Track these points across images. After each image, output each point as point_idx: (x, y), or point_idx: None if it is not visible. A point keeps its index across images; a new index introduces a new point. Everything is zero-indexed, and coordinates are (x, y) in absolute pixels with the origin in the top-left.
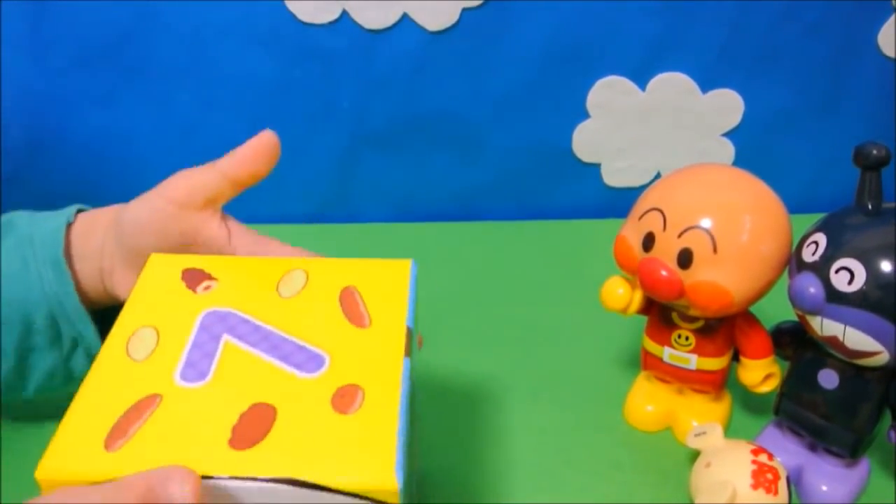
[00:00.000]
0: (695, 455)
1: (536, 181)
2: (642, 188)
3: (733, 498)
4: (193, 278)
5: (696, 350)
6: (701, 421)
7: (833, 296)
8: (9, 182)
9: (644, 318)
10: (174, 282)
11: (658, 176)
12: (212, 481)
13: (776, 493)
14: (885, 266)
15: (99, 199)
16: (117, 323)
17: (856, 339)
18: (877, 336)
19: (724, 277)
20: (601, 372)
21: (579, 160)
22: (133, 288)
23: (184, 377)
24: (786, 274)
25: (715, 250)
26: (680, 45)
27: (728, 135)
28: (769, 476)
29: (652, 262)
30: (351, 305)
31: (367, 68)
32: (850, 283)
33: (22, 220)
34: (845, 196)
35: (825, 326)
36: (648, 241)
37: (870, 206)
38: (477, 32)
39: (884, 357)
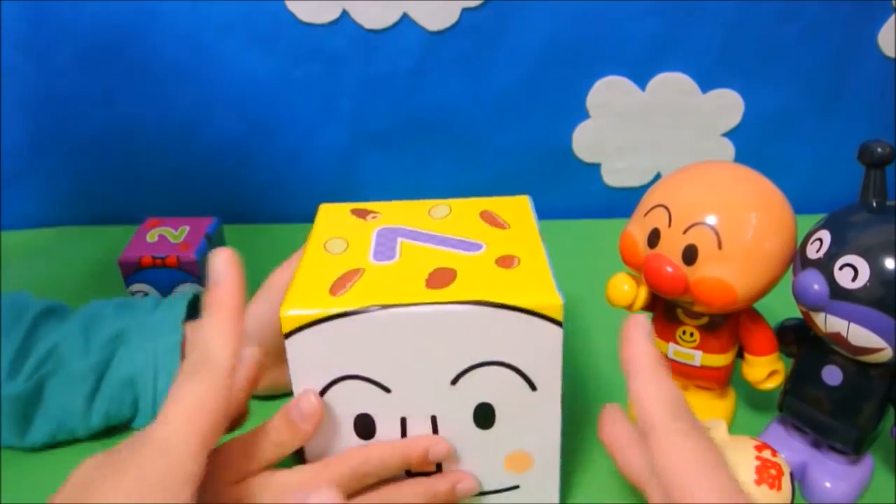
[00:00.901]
0: None
1: (536, 181)
2: (642, 188)
3: None
4: (361, 213)
5: (701, 346)
6: (705, 418)
7: (837, 292)
8: (10, 181)
9: (649, 316)
10: (346, 216)
11: (658, 176)
12: (412, 308)
13: (780, 488)
14: (889, 263)
15: (100, 198)
16: (310, 243)
17: (860, 335)
18: (880, 332)
19: (728, 274)
20: (604, 368)
21: (579, 160)
22: (314, 223)
23: (376, 259)
24: (790, 272)
25: (720, 247)
26: (680, 45)
27: (728, 135)
28: (773, 472)
29: (657, 259)
30: (490, 219)
31: (367, 68)
32: (853, 279)
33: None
34: (845, 196)
35: (829, 323)
36: (654, 238)
37: (874, 204)
38: (477, 32)
39: (887, 353)
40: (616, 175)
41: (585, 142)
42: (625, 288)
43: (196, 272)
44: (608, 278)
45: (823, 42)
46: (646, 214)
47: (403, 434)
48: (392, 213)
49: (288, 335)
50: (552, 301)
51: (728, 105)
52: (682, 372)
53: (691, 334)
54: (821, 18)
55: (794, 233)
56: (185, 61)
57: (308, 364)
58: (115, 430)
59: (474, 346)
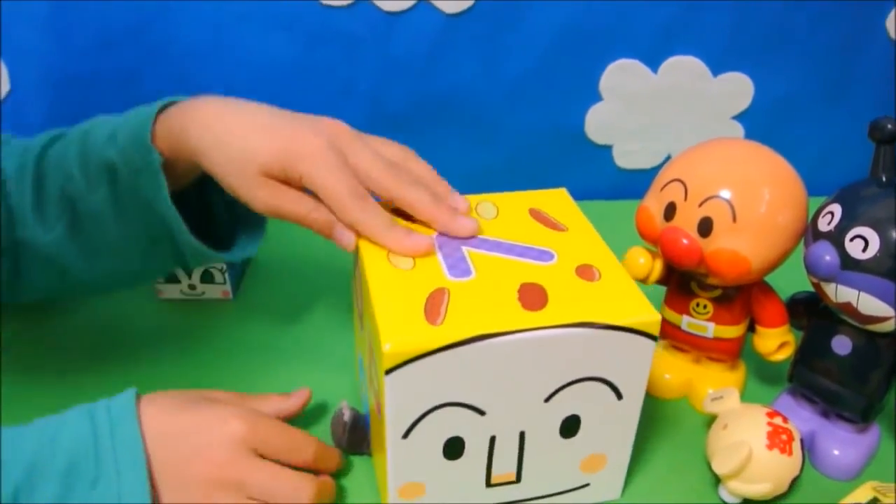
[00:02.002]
0: (711, 421)
1: (549, 163)
2: (653, 170)
3: (749, 458)
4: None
5: (714, 318)
6: (717, 389)
7: (847, 263)
8: None
9: (663, 292)
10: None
11: (668, 158)
12: (517, 335)
13: (791, 453)
14: None
15: None
16: (366, 254)
17: (869, 304)
18: (889, 301)
19: (742, 245)
20: None
21: (592, 142)
22: None
23: (453, 275)
24: (801, 247)
25: (734, 219)
26: (691, 29)
27: (738, 118)
28: (784, 437)
29: (673, 231)
30: (542, 218)
31: (384, 51)
32: (864, 250)
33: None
34: (853, 178)
35: (840, 293)
36: (670, 211)
37: (884, 178)
38: (492, 16)
39: (895, 322)
40: (628, 157)
41: (598, 124)
42: (641, 261)
43: None
44: (621, 258)
45: (832, 26)
46: (662, 189)
47: (490, 452)
48: None
49: (389, 371)
50: (652, 318)
51: (738, 88)
52: (694, 343)
53: (704, 306)
54: (830, 3)
55: (806, 207)
56: (206, 43)
57: (407, 396)
58: None
59: (572, 364)
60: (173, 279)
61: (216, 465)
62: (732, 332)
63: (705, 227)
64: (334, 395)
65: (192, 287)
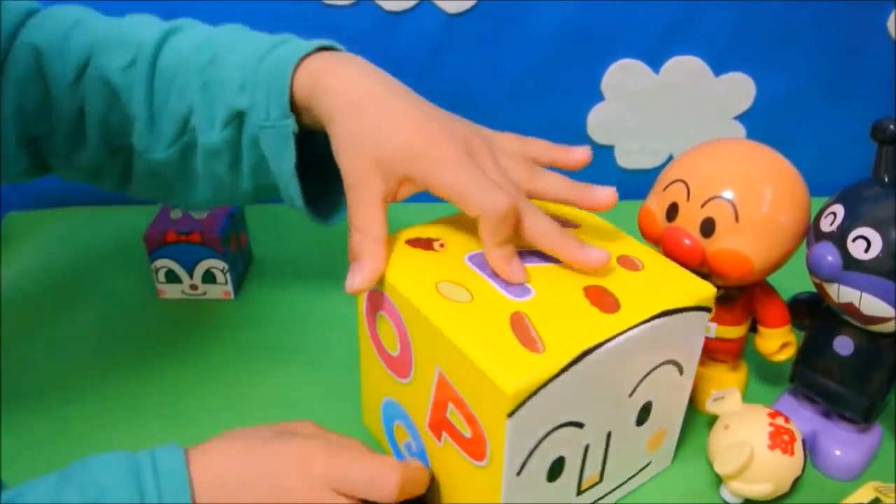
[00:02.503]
0: (713, 421)
1: None
2: (655, 170)
3: (751, 458)
4: (425, 244)
5: (716, 319)
6: (719, 390)
7: (850, 263)
8: None
9: None
10: (410, 251)
11: (670, 158)
12: (613, 341)
13: (792, 453)
14: None
15: None
16: (413, 294)
17: (871, 304)
18: (891, 301)
19: (745, 246)
20: None
21: (593, 142)
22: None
23: (516, 296)
24: (803, 248)
25: (737, 220)
26: (693, 28)
27: (740, 118)
28: (786, 437)
29: (676, 231)
30: (554, 219)
31: (386, 50)
32: (866, 251)
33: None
34: (854, 178)
35: (842, 293)
36: (672, 211)
37: (886, 179)
38: (494, 15)
39: None
40: (629, 157)
41: (599, 124)
42: None
43: (219, 248)
44: None
45: (834, 26)
46: (664, 189)
47: (583, 461)
48: (452, 236)
49: (512, 413)
50: (709, 292)
51: (740, 88)
52: None
53: None
54: (831, 3)
55: (809, 208)
56: None
57: (525, 434)
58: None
59: (651, 354)
60: (174, 279)
61: (291, 490)
62: (734, 332)
63: (708, 228)
64: (335, 394)
65: (193, 287)
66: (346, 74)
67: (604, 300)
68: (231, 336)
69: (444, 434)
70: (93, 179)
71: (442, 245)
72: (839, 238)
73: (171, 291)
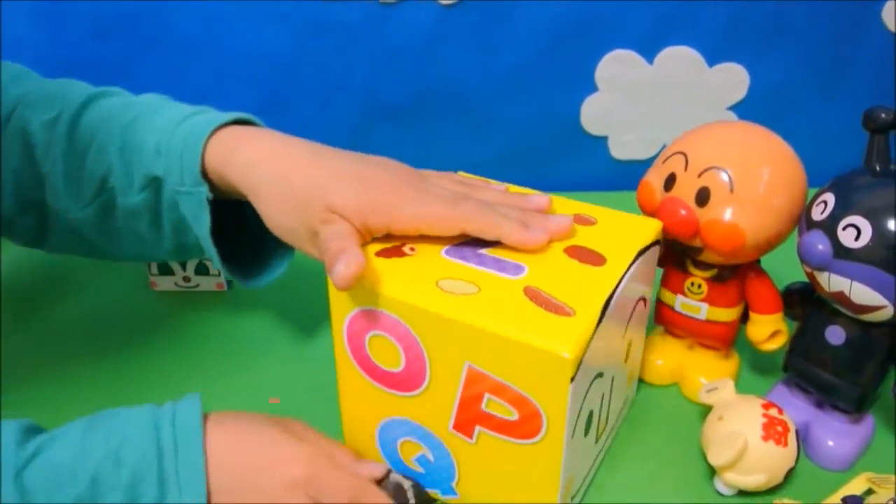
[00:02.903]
0: (706, 412)
1: (545, 154)
2: (649, 161)
3: (744, 449)
4: (394, 252)
5: (708, 299)
6: (709, 378)
7: (840, 252)
8: None
9: (659, 282)
10: (384, 262)
11: (664, 148)
12: (622, 284)
13: (786, 444)
14: (891, 224)
15: None
16: (417, 299)
17: (862, 293)
18: (882, 290)
19: (738, 218)
20: None
21: (587, 133)
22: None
23: (511, 273)
24: (795, 237)
25: (732, 190)
26: (687, 19)
27: (733, 108)
28: (779, 429)
29: (672, 202)
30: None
31: (380, 42)
32: (856, 239)
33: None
34: (849, 168)
35: (832, 282)
36: (670, 181)
37: (877, 168)
38: (487, 7)
39: (888, 311)
40: (623, 148)
41: (593, 115)
42: None
43: None
44: None
45: (828, 17)
46: (664, 161)
47: (600, 410)
48: (414, 237)
49: (573, 378)
50: (658, 225)
51: (734, 79)
52: (687, 327)
53: (699, 286)
54: None
55: (805, 191)
56: (200, 34)
57: (578, 395)
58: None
59: (634, 294)
60: (168, 271)
61: None
62: (725, 315)
63: (703, 196)
64: (327, 387)
65: (186, 279)
66: (261, 147)
67: (588, 256)
68: (224, 328)
69: (479, 428)
70: (6, 232)
71: (412, 249)
72: (830, 226)
73: (163, 283)
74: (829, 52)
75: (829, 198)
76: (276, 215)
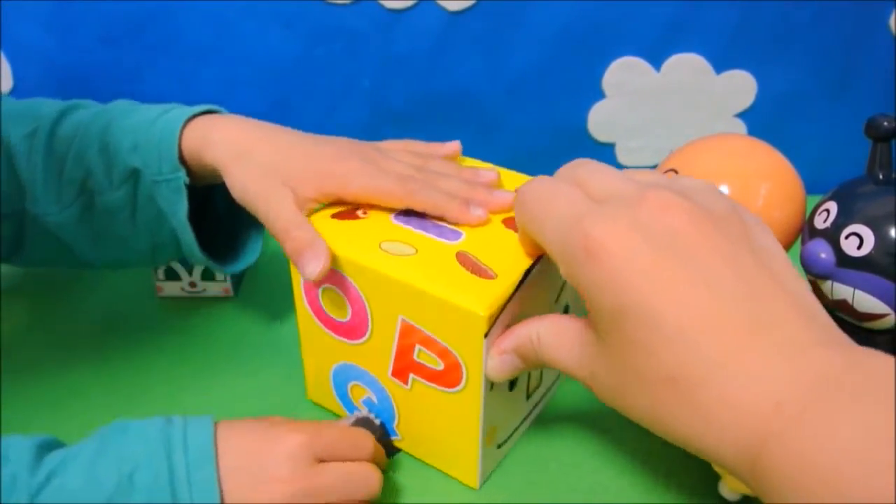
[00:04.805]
0: None
1: (552, 160)
2: (655, 168)
3: None
4: (347, 215)
5: None
6: None
7: (843, 260)
8: None
9: None
10: (337, 224)
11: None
12: (539, 260)
13: None
14: (893, 232)
15: None
16: (356, 255)
17: (864, 302)
18: (885, 299)
19: None
20: None
21: (594, 140)
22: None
23: (452, 240)
24: (799, 243)
25: None
26: (694, 26)
27: (741, 115)
28: None
29: None
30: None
31: (387, 48)
32: (859, 247)
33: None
34: (856, 176)
35: (835, 290)
36: None
37: (880, 176)
38: (495, 13)
39: (891, 319)
40: (630, 155)
41: (600, 122)
42: None
43: None
44: None
45: (835, 24)
46: None
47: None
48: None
49: (487, 333)
50: None
51: (741, 86)
52: None
53: None
54: (833, 1)
55: (804, 206)
56: (209, 39)
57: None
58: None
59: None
60: (174, 277)
61: (284, 482)
62: None
63: None
64: None
65: (192, 285)
66: (232, 128)
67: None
68: (230, 333)
69: (412, 375)
70: None
71: (364, 212)
72: (832, 235)
73: (170, 289)
74: (836, 60)
75: (832, 206)
76: (241, 185)
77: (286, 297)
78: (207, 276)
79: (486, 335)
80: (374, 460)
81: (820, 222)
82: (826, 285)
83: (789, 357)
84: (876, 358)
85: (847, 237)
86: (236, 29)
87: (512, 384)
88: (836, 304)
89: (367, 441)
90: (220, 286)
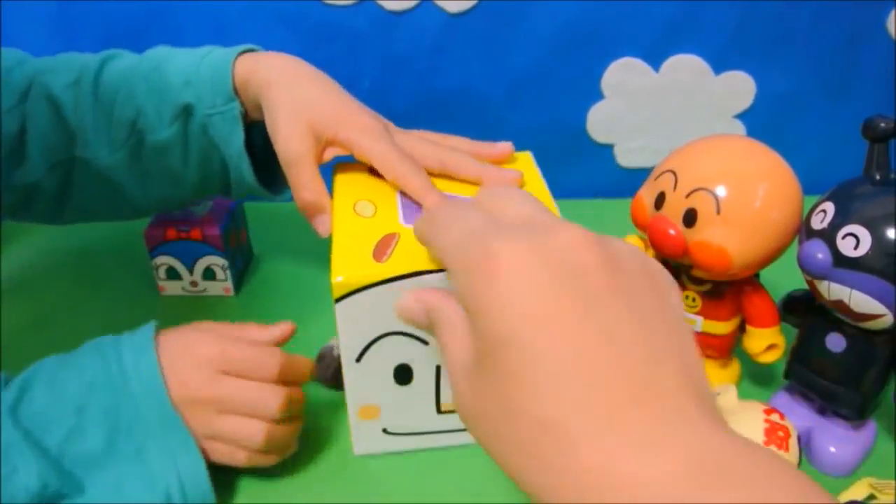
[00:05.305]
0: None
1: (551, 161)
2: (654, 168)
3: None
4: (374, 171)
5: (703, 312)
6: (712, 386)
7: (840, 261)
8: None
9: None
10: (365, 175)
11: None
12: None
13: (787, 449)
14: (890, 233)
15: None
16: (336, 201)
17: (861, 302)
18: (881, 299)
19: (725, 239)
20: None
21: (593, 140)
22: (334, 180)
23: (407, 222)
24: (796, 244)
25: (718, 212)
26: (693, 27)
27: (740, 116)
28: (780, 434)
29: (661, 221)
30: None
31: (387, 49)
32: (855, 248)
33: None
34: (854, 176)
35: (832, 291)
36: (660, 200)
37: (877, 177)
38: (495, 15)
39: (888, 319)
40: (629, 155)
41: (600, 122)
42: None
43: (219, 246)
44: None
45: (834, 25)
46: (656, 179)
47: (438, 381)
48: None
49: (338, 300)
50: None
51: (740, 87)
52: None
53: (693, 299)
54: (831, 2)
55: (800, 207)
56: (209, 40)
57: (355, 323)
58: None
59: None
60: (175, 276)
61: (188, 387)
62: (721, 328)
63: (690, 218)
64: (334, 392)
65: (193, 284)
66: (277, 60)
67: None
68: None
69: None
70: (28, 199)
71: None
72: (829, 235)
73: (171, 288)
74: (834, 61)
75: (829, 207)
76: (277, 117)
77: (286, 296)
78: (208, 275)
79: (336, 301)
80: (281, 382)
81: (817, 223)
82: (823, 285)
83: (672, 432)
84: (761, 450)
85: (844, 237)
86: (237, 30)
87: (402, 379)
88: (833, 304)
89: (272, 362)
90: (221, 286)
